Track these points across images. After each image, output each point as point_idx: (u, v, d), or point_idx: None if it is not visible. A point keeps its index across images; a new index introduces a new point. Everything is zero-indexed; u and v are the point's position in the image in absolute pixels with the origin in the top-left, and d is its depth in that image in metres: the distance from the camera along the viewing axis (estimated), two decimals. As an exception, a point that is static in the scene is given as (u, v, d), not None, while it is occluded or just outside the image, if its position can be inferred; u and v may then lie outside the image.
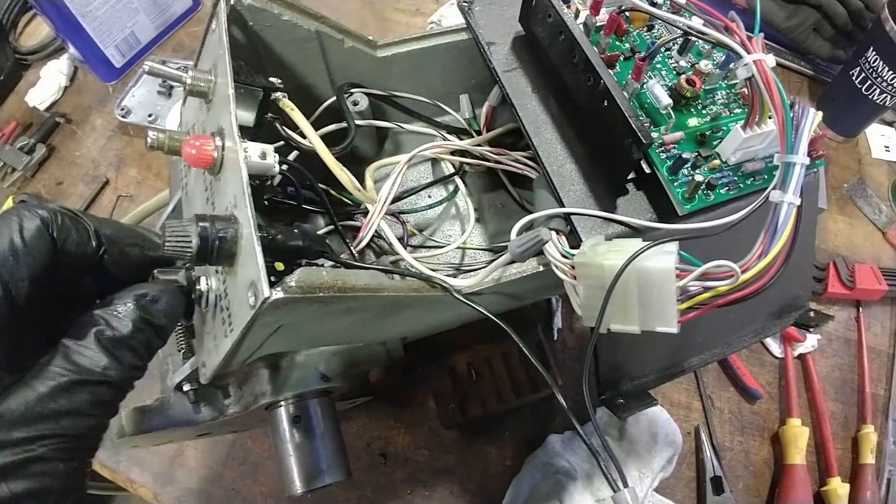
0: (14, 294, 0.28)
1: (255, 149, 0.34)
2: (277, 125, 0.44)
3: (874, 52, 0.76)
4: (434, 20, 0.92)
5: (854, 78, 0.80)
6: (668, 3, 0.47)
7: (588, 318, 0.36)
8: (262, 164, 0.35)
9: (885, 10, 0.73)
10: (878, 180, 0.87)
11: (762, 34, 0.38)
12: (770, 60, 0.36)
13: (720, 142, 0.42)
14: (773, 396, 0.71)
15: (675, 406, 0.69)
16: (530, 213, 0.41)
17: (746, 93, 0.44)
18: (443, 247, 0.53)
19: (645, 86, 0.43)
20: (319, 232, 0.52)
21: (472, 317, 0.46)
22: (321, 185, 0.48)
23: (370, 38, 0.52)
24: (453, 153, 0.54)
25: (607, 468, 0.33)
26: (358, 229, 0.48)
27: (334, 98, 0.52)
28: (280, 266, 0.34)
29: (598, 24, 0.45)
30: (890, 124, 0.92)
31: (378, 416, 0.66)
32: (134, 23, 0.85)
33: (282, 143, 0.45)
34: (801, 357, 0.73)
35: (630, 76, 0.43)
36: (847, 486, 0.66)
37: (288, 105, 0.43)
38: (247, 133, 0.43)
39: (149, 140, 0.36)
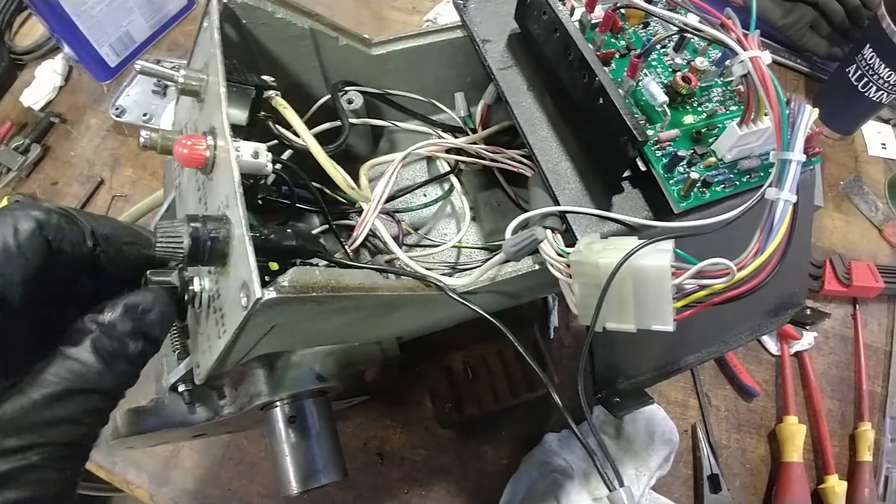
0: (7, 298, 0.28)
1: (247, 148, 0.34)
2: (270, 124, 0.44)
3: (871, 50, 0.76)
4: (430, 18, 0.92)
5: (850, 75, 0.80)
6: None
7: (584, 316, 0.36)
8: (254, 164, 0.35)
9: (881, 7, 0.73)
10: (874, 177, 0.87)
11: (758, 31, 0.38)
12: (766, 57, 0.36)
13: (716, 139, 0.42)
14: (770, 394, 0.71)
15: (672, 404, 0.69)
16: (526, 211, 0.41)
17: (742, 90, 0.44)
18: (438, 246, 0.52)
19: (640, 83, 0.43)
20: (314, 231, 0.51)
21: (467, 316, 0.46)
22: (315, 185, 0.48)
23: (365, 36, 0.52)
24: (448, 151, 0.54)
25: (603, 467, 0.33)
26: (353, 228, 0.47)
27: (328, 96, 0.52)
28: (274, 266, 0.34)
29: (593, 22, 0.45)
30: (886, 122, 0.92)
31: (374, 415, 0.66)
32: (128, 22, 0.85)
33: (275, 141, 0.44)
34: (798, 355, 0.73)
35: (625, 73, 0.43)
36: (844, 484, 0.66)
37: (281, 103, 0.43)
38: (240, 132, 0.43)
39: (141, 140, 0.36)
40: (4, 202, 0.77)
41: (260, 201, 0.47)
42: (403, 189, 0.57)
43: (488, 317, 0.39)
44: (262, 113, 0.44)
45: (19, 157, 0.80)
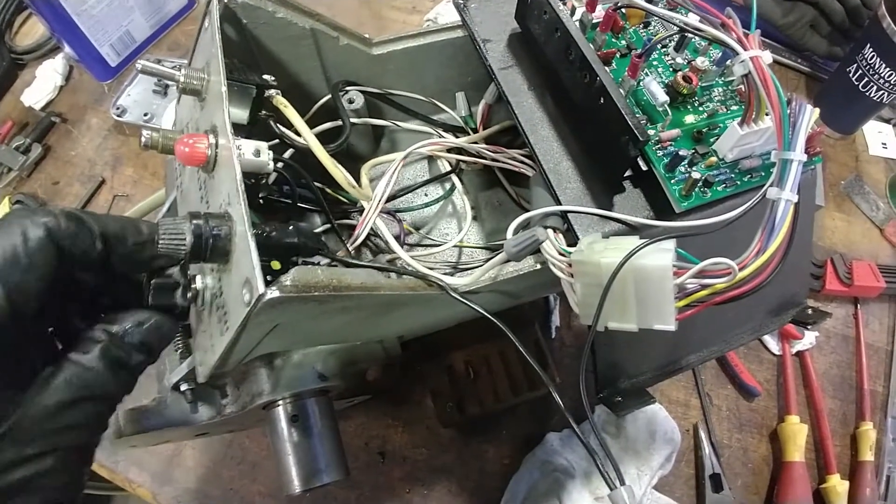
0: (22, 308, 0.28)
1: (248, 146, 0.34)
2: (271, 123, 0.44)
3: (871, 50, 0.76)
4: (430, 18, 0.92)
5: (851, 75, 0.80)
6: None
7: (585, 316, 0.36)
8: (256, 162, 0.35)
9: (881, 7, 0.73)
10: (875, 177, 0.87)
11: (759, 31, 0.38)
12: (767, 57, 0.36)
13: (717, 139, 0.42)
14: (772, 394, 0.71)
15: (674, 404, 0.69)
16: (527, 210, 0.41)
17: (743, 90, 0.44)
18: (439, 245, 0.53)
19: (641, 83, 0.43)
20: (316, 230, 0.51)
21: (469, 315, 0.46)
22: (317, 184, 0.48)
23: (366, 35, 0.52)
24: (450, 151, 0.54)
25: (604, 466, 0.33)
26: (354, 228, 0.47)
27: (329, 96, 0.52)
28: (276, 265, 0.34)
29: (594, 21, 0.45)
30: (887, 121, 0.92)
31: (376, 414, 0.66)
32: (129, 21, 0.85)
33: (277, 140, 0.44)
34: (800, 354, 0.73)
35: (626, 73, 0.43)
36: (846, 484, 0.66)
37: (282, 102, 0.43)
38: (241, 131, 0.43)
39: (143, 139, 0.36)
40: (6, 202, 0.77)
41: (261, 200, 0.47)
42: (405, 188, 0.57)
43: (490, 316, 0.39)
44: (263, 112, 0.44)
45: (20, 157, 0.80)
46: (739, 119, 0.39)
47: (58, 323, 0.31)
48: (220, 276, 0.33)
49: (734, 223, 0.36)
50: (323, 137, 0.46)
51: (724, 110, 0.44)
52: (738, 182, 0.41)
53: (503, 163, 0.53)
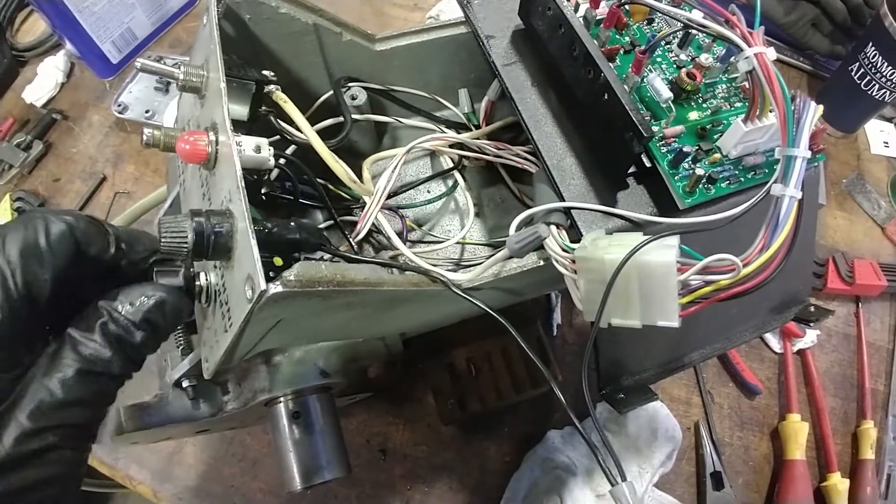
0: (37, 294, 0.29)
1: (249, 142, 0.34)
2: (272, 118, 0.44)
3: (873, 48, 0.76)
4: (432, 15, 0.92)
5: (853, 73, 0.80)
6: (668, -4, 0.47)
7: (589, 312, 0.36)
8: (257, 158, 0.35)
9: (884, 5, 0.73)
10: (877, 176, 0.87)
11: (762, 28, 0.38)
12: (771, 53, 0.36)
13: (721, 136, 0.42)
14: (773, 392, 0.71)
15: (675, 401, 0.69)
16: (530, 207, 0.41)
17: (747, 86, 0.44)
18: (442, 242, 0.52)
19: (645, 79, 0.43)
20: (319, 226, 0.51)
21: (472, 312, 0.46)
22: (319, 181, 0.48)
23: (368, 31, 0.52)
24: (452, 147, 0.54)
25: (605, 463, 0.33)
26: (357, 224, 0.47)
27: (331, 92, 0.52)
28: (279, 261, 0.34)
29: (597, 18, 0.45)
30: (889, 120, 0.92)
31: (377, 412, 0.66)
32: (131, 18, 0.85)
33: (278, 137, 0.44)
34: (801, 353, 0.73)
35: (630, 70, 0.43)
36: (847, 482, 0.65)
37: (281, 97, 0.43)
38: (242, 127, 0.43)
39: (144, 137, 0.36)
40: (7, 199, 0.77)
41: (263, 197, 0.47)
42: (407, 185, 0.57)
43: (492, 312, 0.39)
44: (264, 108, 0.44)
45: (21, 154, 0.80)
46: (743, 116, 0.39)
47: (57, 315, 0.31)
48: (223, 273, 0.33)
49: (738, 220, 0.35)
50: (325, 134, 0.46)
51: (728, 107, 0.44)
52: (742, 179, 0.41)
53: (506, 159, 0.52)
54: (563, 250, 0.37)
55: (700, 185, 0.40)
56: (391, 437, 0.65)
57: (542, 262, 0.40)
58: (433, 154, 0.58)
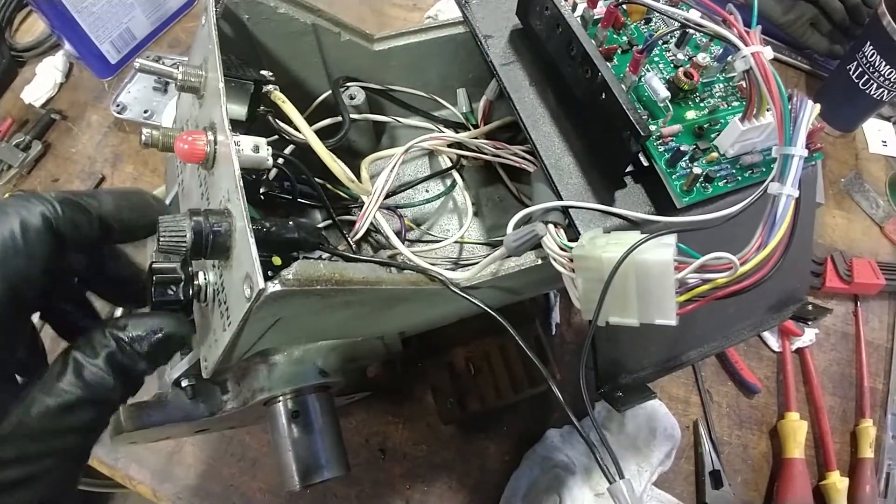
0: (19, 299, 0.29)
1: (247, 142, 0.34)
2: (270, 118, 0.44)
3: (871, 48, 0.76)
4: (431, 15, 0.92)
5: (851, 73, 0.80)
6: (666, -5, 0.47)
7: (587, 310, 0.36)
8: (255, 158, 0.35)
9: (882, 5, 0.73)
10: (875, 175, 0.87)
11: (759, 27, 0.38)
12: (768, 52, 0.36)
13: (718, 135, 0.42)
14: (772, 391, 0.71)
15: (674, 400, 0.69)
16: (528, 207, 0.41)
17: (744, 86, 0.44)
18: (440, 241, 0.53)
19: (643, 79, 0.43)
20: (318, 226, 0.51)
21: (471, 311, 0.46)
22: (318, 180, 0.48)
23: (367, 31, 0.52)
24: (450, 146, 0.54)
25: (603, 461, 0.33)
26: (355, 224, 0.47)
27: (330, 92, 0.52)
28: (277, 261, 0.34)
29: (595, 17, 0.45)
30: (887, 119, 0.92)
31: (376, 411, 0.66)
32: (129, 18, 0.85)
33: (276, 137, 0.44)
34: (799, 351, 0.73)
35: (628, 69, 0.43)
36: (846, 481, 0.66)
37: (279, 97, 0.43)
38: (240, 127, 0.43)
39: (143, 137, 0.36)
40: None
41: (262, 196, 0.47)
42: (405, 184, 0.57)
43: (490, 311, 0.39)
44: (262, 108, 0.44)
45: (20, 154, 0.80)
46: (740, 115, 0.39)
47: (46, 306, 0.31)
48: (222, 273, 0.34)
49: (735, 219, 0.36)
50: (323, 134, 0.46)
51: (726, 106, 0.44)
52: (740, 178, 0.41)
53: (504, 159, 0.53)
54: (561, 249, 0.37)
55: (697, 184, 0.40)
56: (390, 437, 0.65)
57: (540, 261, 0.40)
58: (431, 154, 0.58)
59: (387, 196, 0.49)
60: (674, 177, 0.40)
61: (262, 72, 0.43)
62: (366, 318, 0.41)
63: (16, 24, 0.93)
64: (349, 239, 0.46)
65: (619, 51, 0.45)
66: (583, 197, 0.41)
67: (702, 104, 0.44)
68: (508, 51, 0.47)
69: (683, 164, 0.41)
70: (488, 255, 0.41)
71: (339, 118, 0.50)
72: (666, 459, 0.63)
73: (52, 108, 0.85)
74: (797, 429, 0.66)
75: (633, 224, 0.40)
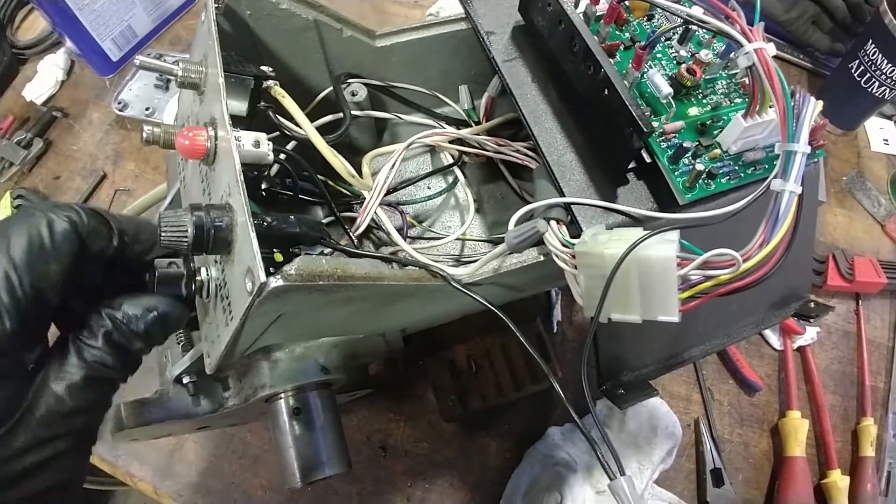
0: (44, 299, 0.29)
1: (248, 137, 0.34)
2: (271, 114, 0.44)
3: (873, 45, 0.76)
4: (432, 12, 0.92)
5: (853, 71, 0.80)
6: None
7: (589, 307, 0.36)
8: (256, 153, 0.35)
9: (883, 3, 0.73)
10: (877, 173, 0.87)
11: (762, 23, 0.38)
12: (771, 49, 0.36)
13: (721, 131, 0.42)
14: (773, 389, 0.71)
15: (675, 398, 0.69)
16: (530, 203, 0.41)
17: (747, 82, 0.44)
18: (442, 238, 0.52)
19: (645, 75, 0.43)
20: (318, 221, 0.51)
21: (472, 308, 0.46)
22: (320, 176, 0.48)
23: (369, 28, 0.52)
24: (452, 143, 0.54)
25: (604, 457, 0.33)
26: (356, 220, 0.47)
27: (331, 89, 0.52)
28: (279, 257, 0.34)
29: (597, 14, 0.45)
30: (889, 117, 0.92)
31: (378, 409, 0.66)
32: (131, 16, 0.85)
33: (277, 133, 0.44)
34: (801, 349, 0.73)
35: (630, 65, 0.43)
36: (847, 479, 0.66)
37: (279, 93, 0.43)
38: (241, 123, 0.43)
39: (144, 135, 0.36)
40: (7, 197, 0.77)
41: (264, 193, 0.47)
42: (407, 181, 0.57)
43: (492, 308, 0.39)
44: (263, 104, 0.44)
45: (22, 152, 0.80)
46: (743, 111, 0.39)
47: (60, 307, 0.31)
48: (224, 268, 0.34)
49: (738, 215, 0.35)
50: (325, 130, 0.46)
51: (728, 103, 0.44)
52: (742, 174, 0.41)
53: (506, 155, 0.52)
54: (563, 245, 0.37)
55: (700, 181, 0.40)
56: (392, 434, 0.65)
57: (542, 258, 0.40)
58: (433, 150, 0.58)
59: (388, 192, 0.49)
60: (676, 173, 0.40)
61: (263, 67, 0.43)
62: (367, 314, 0.41)
63: (17, 21, 0.93)
64: (351, 234, 0.46)
65: (621, 47, 0.45)
66: (585, 193, 0.41)
67: (704, 101, 0.44)
68: (510, 47, 0.47)
69: (686, 161, 0.41)
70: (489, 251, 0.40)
71: (341, 114, 0.50)
72: (667, 457, 0.63)
73: (54, 106, 0.85)
74: (798, 427, 0.66)
75: (635, 221, 0.40)
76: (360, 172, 0.48)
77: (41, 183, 0.80)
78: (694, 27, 0.44)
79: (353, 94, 0.53)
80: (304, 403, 0.45)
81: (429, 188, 0.59)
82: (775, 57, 0.36)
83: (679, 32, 0.46)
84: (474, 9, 0.48)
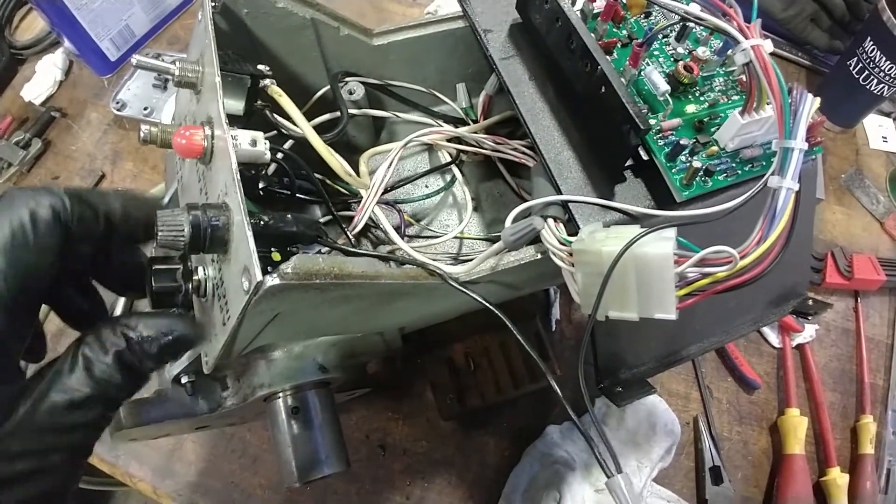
0: (28, 292, 0.29)
1: (245, 136, 0.34)
2: (267, 113, 0.44)
3: (871, 43, 0.76)
4: (430, 10, 0.92)
5: (851, 68, 0.80)
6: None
7: (586, 305, 0.36)
8: (253, 152, 0.35)
9: (882, 0, 0.73)
10: (875, 171, 0.87)
11: (759, 20, 0.38)
12: (768, 46, 0.36)
13: (718, 128, 0.42)
14: (772, 387, 0.71)
15: (674, 396, 0.69)
16: (527, 201, 0.41)
17: (744, 79, 0.44)
18: (440, 236, 0.52)
19: (642, 72, 0.43)
20: (315, 220, 0.51)
21: (471, 307, 0.46)
22: (317, 175, 0.48)
23: (366, 26, 0.52)
24: (450, 141, 0.54)
25: (601, 455, 0.33)
26: (354, 219, 0.47)
27: (328, 87, 0.52)
28: (277, 256, 0.34)
29: (595, 11, 0.45)
30: (887, 115, 0.92)
31: (376, 407, 0.66)
32: (129, 16, 0.85)
33: (275, 132, 0.44)
34: (800, 347, 0.73)
35: (627, 63, 0.43)
36: (846, 477, 0.66)
37: (276, 91, 0.43)
38: (238, 122, 0.43)
39: (142, 134, 0.36)
40: (5, 196, 0.77)
41: (261, 192, 0.47)
42: (404, 179, 0.57)
43: (490, 306, 0.38)
44: (259, 102, 0.44)
45: (20, 152, 0.80)
46: (740, 108, 0.39)
47: (52, 294, 0.31)
48: (221, 267, 0.33)
49: (735, 213, 0.35)
50: (323, 129, 0.46)
51: (726, 100, 0.44)
52: (740, 171, 0.41)
53: (504, 153, 0.52)
54: (561, 243, 0.37)
55: (697, 178, 0.40)
56: (390, 433, 0.65)
57: (539, 256, 0.40)
58: (431, 149, 0.58)
59: (386, 191, 0.49)
60: (673, 171, 0.40)
61: (260, 66, 0.43)
62: (365, 313, 0.41)
63: (15, 21, 0.93)
64: (348, 233, 0.46)
65: (618, 44, 0.45)
66: (582, 191, 0.41)
67: (702, 98, 0.44)
68: (508, 45, 0.47)
69: (683, 158, 0.41)
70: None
71: (338, 113, 0.50)
72: (666, 455, 0.63)
73: (52, 106, 0.85)
74: (797, 425, 0.66)
75: (632, 218, 0.40)
76: (357, 171, 0.48)
77: (40, 183, 0.80)
78: (691, 24, 0.44)
79: (351, 93, 0.53)
80: (303, 402, 0.45)
81: (426, 187, 0.59)
82: (773, 54, 0.36)
83: (676, 29, 0.46)
84: (472, 7, 0.48)
